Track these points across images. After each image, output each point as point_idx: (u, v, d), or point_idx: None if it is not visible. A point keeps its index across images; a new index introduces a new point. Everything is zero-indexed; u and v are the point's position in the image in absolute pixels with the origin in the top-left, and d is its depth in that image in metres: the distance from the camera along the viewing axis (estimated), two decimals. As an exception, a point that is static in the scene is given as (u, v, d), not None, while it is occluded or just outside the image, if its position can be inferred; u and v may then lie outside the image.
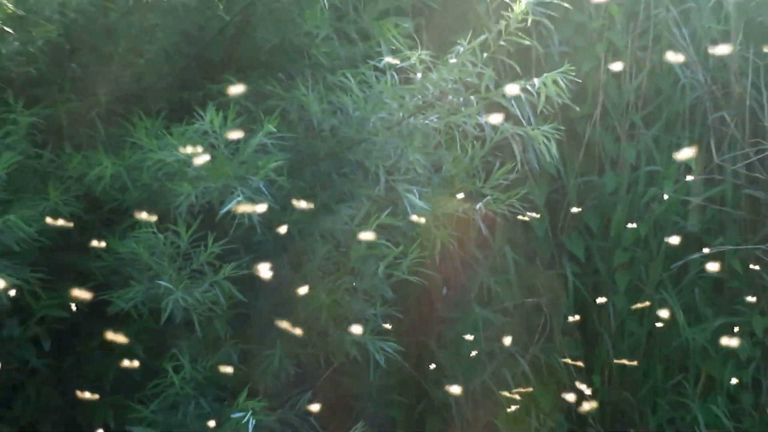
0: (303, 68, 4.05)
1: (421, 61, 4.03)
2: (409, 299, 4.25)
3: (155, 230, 3.61)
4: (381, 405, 4.22)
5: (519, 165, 4.22)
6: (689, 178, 4.76)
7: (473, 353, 4.54)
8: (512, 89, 3.97)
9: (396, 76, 4.01)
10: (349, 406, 4.15)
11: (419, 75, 4.02)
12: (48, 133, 3.87)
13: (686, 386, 4.65)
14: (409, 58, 4.02)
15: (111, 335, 3.63)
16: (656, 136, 4.87)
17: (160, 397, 3.72)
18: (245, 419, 3.60)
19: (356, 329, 3.76)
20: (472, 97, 4.07)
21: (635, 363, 4.57)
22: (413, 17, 4.49)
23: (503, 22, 4.09)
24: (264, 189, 3.60)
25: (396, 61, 4.09)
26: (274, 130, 3.65)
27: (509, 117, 4.14)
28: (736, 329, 4.65)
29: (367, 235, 3.72)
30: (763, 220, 4.81)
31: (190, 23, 3.98)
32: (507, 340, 4.32)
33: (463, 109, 4.05)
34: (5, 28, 3.99)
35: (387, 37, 4.13)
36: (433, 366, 4.48)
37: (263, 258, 3.85)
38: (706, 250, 4.60)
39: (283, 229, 3.62)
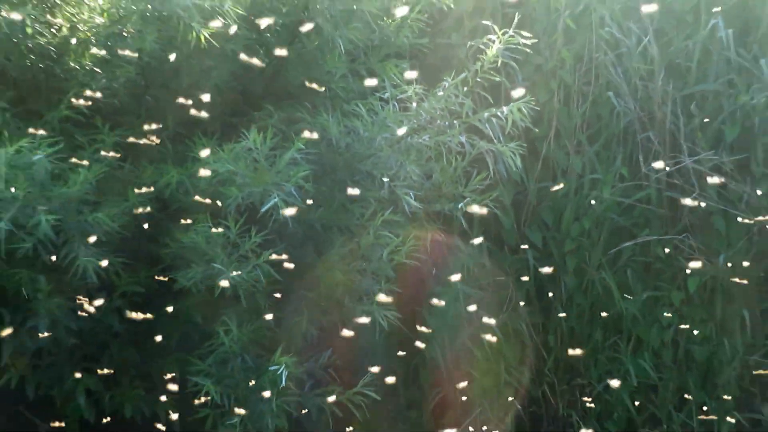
0: (324, 99, 4.07)
1: (416, 94, 4.06)
2: (406, 277, 4.27)
3: (210, 224, 3.65)
4: (384, 359, 4.24)
5: (491, 174, 4.24)
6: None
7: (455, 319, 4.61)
8: (486, 115, 4.11)
9: (396, 105, 4.03)
10: (359, 361, 4.17)
11: (414, 104, 4.05)
12: (128, 149, 3.91)
13: (620, 345, 4.66)
14: (406, 91, 4.05)
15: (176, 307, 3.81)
16: (597, 152, 4.85)
17: (214, 353, 3.76)
18: (280, 371, 3.66)
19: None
20: (455, 122, 4.11)
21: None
22: (409, 59, 4.49)
23: (479, 63, 4.15)
24: (295, 193, 3.62)
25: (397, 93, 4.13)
26: (303, 147, 3.67)
27: (484, 137, 4.16)
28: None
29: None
30: (679, 217, 4.79)
31: (237, 65, 3.98)
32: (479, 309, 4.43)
33: (448, 130, 4.08)
34: (96, 69, 4.03)
35: (389, 75, 4.13)
36: (424, 329, 4.51)
37: (294, 246, 3.94)
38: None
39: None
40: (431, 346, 4.56)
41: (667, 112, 4.76)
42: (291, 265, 3.79)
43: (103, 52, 4.05)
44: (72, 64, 4.13)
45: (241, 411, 3.70)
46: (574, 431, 4.61)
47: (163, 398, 4.02)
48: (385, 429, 4.28)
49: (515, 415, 4.78)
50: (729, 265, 4.65)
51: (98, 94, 3.97)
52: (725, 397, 4.61)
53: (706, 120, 4.83)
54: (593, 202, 4.79)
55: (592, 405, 4.65)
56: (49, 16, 4.18)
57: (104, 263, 3.61)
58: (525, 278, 4.83)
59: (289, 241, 3.83)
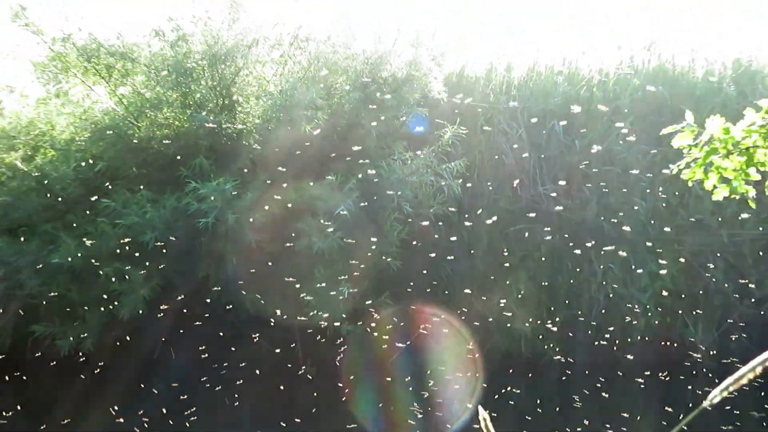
0: (366, 158, 3.79)
1: (410, 156, 3.88)
2: (406, 245, 4.07)
3: (311, 219, 3.47)
4: (395, 286, 4.15)
5: (446, 195, 3.98)
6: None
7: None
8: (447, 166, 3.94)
9: (401, 162, 3.83)
10: (383, 285, 3.96)
11: (409, 161, 3.85)
12: (270, 184, 3.59)
13: (508, 278, 4.25)
14: (405, 156, 3.86)
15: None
16: (497, 184, 4.51)
17: (313, 281, 3.51)
18: (343, 290, 3.44)
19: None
20: (428, 170, 3.90)
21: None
22: (407, 140, 4.12)
23: (440, 141, 3.96)
24: (352, 204, 3.49)
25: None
26: (355, 182, 3.58)
27: (443, 177, 3.95)
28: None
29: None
30: (538, 216, 4.42)
31: (323, 142, 3.73)
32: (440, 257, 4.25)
33: (425, 174, 3.87)
34: (256, 145, 3.79)
35: (398, 147, 3.92)
36: (412, 269, 4.36)
37: (351, 230, 3.65)
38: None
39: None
40: (417, 279, 4.21)
41: (530, 166, 4.56)
42: (351, 241, 3.60)
43: (259, 137, 3.86)
44: (243, 142, 3.93)
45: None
46: (479, 320, 4.22)
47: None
48: (395, 317, 4.17)
49: (457, 311, 4.49)
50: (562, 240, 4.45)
51: (257, 156, 3.81)
52: (562, 302, 4.34)
53: (551, 168, 4.60)
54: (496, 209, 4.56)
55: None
56: (233, 118, 3.99)
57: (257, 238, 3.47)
58: (464, 247, 4.46)
59: (348, 227, 3.63)
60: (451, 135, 4.01)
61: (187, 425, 3.34)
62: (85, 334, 3.61)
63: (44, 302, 3.66)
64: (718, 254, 4.38)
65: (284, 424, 3.41)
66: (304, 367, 4.11)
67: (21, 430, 3.38)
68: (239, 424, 3.61)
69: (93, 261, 3.56)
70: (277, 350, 4.08)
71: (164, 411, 3.43)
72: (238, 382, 3.82)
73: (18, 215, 3.79)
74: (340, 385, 3.94)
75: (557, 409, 3.74)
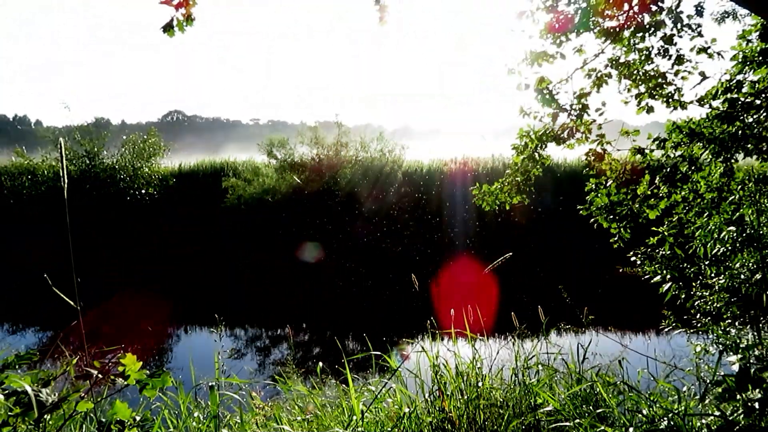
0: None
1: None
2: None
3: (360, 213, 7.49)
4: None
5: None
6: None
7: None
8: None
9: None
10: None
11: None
12: (346, 199, 8.11)
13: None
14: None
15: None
16: (417, 213, 8.45)
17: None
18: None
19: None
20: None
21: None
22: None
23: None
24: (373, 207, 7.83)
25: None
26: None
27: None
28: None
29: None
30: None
31: (364, 192, 8.56)
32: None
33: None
34: (341, 179, 8.32)
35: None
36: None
37: (370, 217, 8.40)
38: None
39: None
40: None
41: (435, 203, 9.06)
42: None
43: (346, 190, 8.53)
44: (343, 192, 8.64)
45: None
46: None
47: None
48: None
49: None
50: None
51: (345, 194, 8.29)
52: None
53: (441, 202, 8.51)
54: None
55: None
56: (338, 183, 8.52)
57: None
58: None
59: (371, 216, 8.27)
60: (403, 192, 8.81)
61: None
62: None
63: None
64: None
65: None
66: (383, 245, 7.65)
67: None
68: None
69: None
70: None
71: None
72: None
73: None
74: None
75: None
